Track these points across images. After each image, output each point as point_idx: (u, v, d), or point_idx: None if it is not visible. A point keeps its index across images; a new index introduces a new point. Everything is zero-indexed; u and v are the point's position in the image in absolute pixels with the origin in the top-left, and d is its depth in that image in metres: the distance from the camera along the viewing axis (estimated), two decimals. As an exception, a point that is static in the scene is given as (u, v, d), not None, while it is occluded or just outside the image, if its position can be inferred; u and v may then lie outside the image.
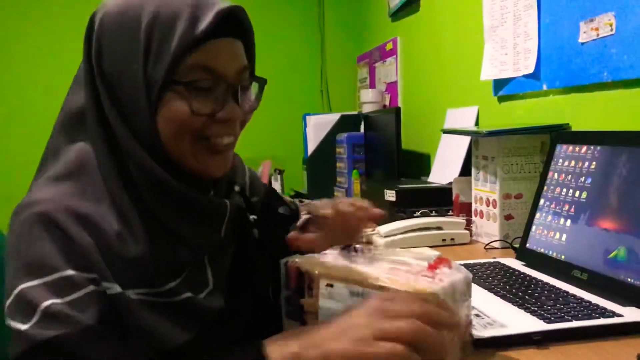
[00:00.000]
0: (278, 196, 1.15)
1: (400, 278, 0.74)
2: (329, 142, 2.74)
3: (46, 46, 3.40)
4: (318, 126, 2.78)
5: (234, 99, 0.81)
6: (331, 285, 0.78)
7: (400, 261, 0.80)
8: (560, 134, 1.28)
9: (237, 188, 0.97)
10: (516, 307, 0.93)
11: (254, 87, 0.89)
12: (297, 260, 0.84)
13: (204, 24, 0.75)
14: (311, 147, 2.78)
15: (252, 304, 0.89)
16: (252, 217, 0.98)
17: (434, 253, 0.83)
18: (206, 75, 0.78)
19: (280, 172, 3.32)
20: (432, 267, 0.76)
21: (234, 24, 0.81)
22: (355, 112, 3.01)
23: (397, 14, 2.88)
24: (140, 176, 0.78)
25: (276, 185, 3.25)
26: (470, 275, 0.78)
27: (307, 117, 2.85)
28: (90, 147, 0.80)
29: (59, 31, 3.39)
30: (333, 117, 2.80)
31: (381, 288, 0.73)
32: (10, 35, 3.41)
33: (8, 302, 0.70)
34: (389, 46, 2.98)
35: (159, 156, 0.79)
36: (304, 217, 1.01)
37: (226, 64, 0.80)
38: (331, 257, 0.85)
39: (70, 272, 0.71)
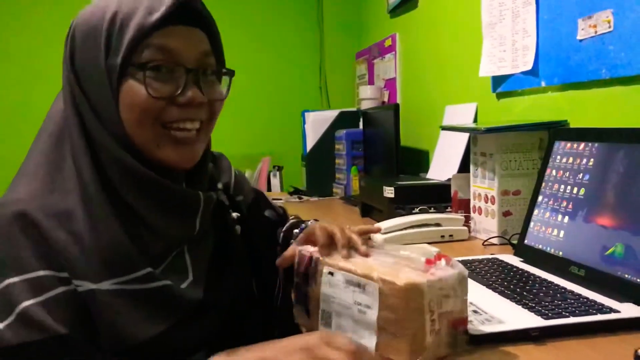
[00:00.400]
0: (266, 200, 1.17)
1: (395, 270, 0.76)
2: (327, 139, 2.75)
3: (46, 46, 3.40)
4: (317, 123, 2.78)
5: (197, 85, 0.82)
6: (332, 274, 0.83)
7: (404, 256, 0.82)
8: (558, 131, 1.28)
9: (220, 185, 0.99)
10: (514, 303, 0.93)
11: (225, 81, 0.91)
12: (310, 248, 0.89)
13: (159, 12, 0.79)
14: (310, 143, 2.79)
15: (231, 298, 0.90)
16: (235, 214, 1.00)
17: (435, 250, 0.86)
18: (163, 56, 0.80)
19: (279, 169, 3.32)
20: (430, 262, 0.78)
21: (192, 15, 0.83)
22: (354, 109, 3.01)
23: (395, 11, 2.88)
24: (112, 165, 0.80)
25: (275, 182, 3.26)
26: (466, 273, 0.78)
27: (306, 114, 2.85)
28: (68, 143, 0.82)
29: (58, 31, 3.39)
30: (332, 114, 2.80)
31: (371, 278, 0.76)
32: (10, 35, 3.40)
33: None
34: (388, 42, 2.98)
35: (127, 145, 0.81)
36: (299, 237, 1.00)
37: (183, 47, 0.81)
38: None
39: (42, 272, 0.73)
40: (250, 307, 0.93)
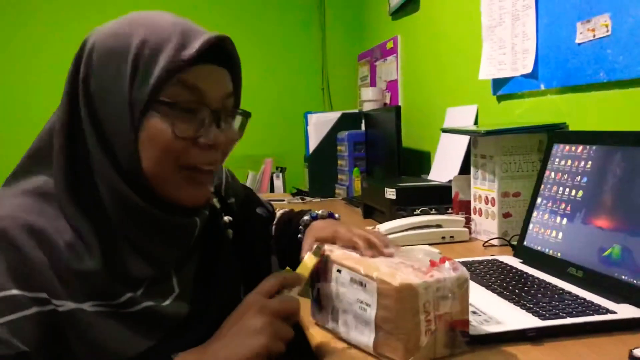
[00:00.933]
0: (256, 197, 1.17)
1: (395, 271, 0.79)
2: (330, 140, 2.76)
3: (46, 49, 3.42)
4: (319, 124, 2.80)
5: (217, 126, 0.82)
6: (339, 271, 0.87)
7: (411, 257, 0.86)
8: (557, 134, 1.30)
9: (211, 189, 0.96)
10: (512, 304, 0.95)
11: (238, 119, 0.90)
12: (325, 247, 0.92)
13: (191, 49, 0.77)
14: (312, 145, 2.80)
15: (219, 307, 0.88)
16: (227, 217, 0.99)
17: (434, 251, 0.88)
18: (190, 96, 0.79)
19: (282, 170, 3.34)
20: (434, 264, 0.80)
21: (220, 53, 0.82)
22: (356, 110, 3.02)
23: (397, 13, 2.89)
24: (111, 199, 0.78)
25: (278, 183, 3.28)
26: (466, 276, 0.80)
27: (309, 116, 2.87)
28: (50, 171, 0.80)
29: (59, 36, 3.41)
30: (334, 116, 2.81)
31: (371, 277, 0.80)
32: (11, 36, 3.42)
33: None
34: (390, 45, 2.99)
35: (134, 180, 0.79)
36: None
37: (210, 88, 0.81)
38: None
39: (15, 291, 0.71)
40: None
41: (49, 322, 0.72)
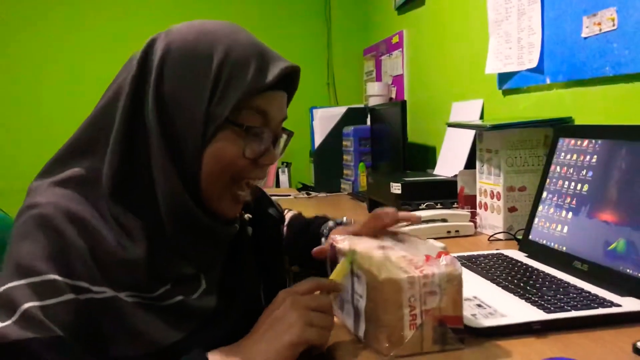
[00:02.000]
0: (267, 196, 1.18)
1: (387, 264, 0.80)
2: (335, 135, 2.77)
3: (55, 45, 3.43)
4: (325, 119, 2.81)
5: (274, 147, 0.88)
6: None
7: (413, 249, 0.88)
8: (562, 128, 1.30)
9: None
10: (517, 298, 0.95)
11: (283, 137, 0.94)
12: (338, 238, 0.95)
13: (271, 75, 0.82)
14: (318, 140, 2.81)
15: (244, 301, 0.91)
16: (247, 215, 1.01)
17: (440, 246, 0.89)
18: (260, 120, 0.84)
19: (288, 165, 3.34)
20: (429, 258, 0.81)
21: (287, 78, 0.87)
22: (362, 105, 3.03)
23: (403, 8, 2.89)
24: (168, 200, 0.81)
25: (283, 178, 3.28)
26: (458, 273, 0.80)
27: (314, 110, 2.88)
28: (100, 163, 0.82)
29: (71, 37, 3.43)
30: (339, 110, 2.82)
31: (363, 270, 0.83)
32: (18, 34, 3.44)
33: None
34: (395, 39, 2.99)
35: (190, 187, 0.82)
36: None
37: (276, 113, 0.86)
38: (370, 241, 0.94)
39: (54, 276, 0.73)
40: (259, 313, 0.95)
41: (86, 310, 0.74)
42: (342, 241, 0.93)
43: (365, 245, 0.90)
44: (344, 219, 1.18)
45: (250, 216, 1.02)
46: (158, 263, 0.80)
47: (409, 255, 0.84)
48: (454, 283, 0.79)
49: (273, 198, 1.17)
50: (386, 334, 0.78)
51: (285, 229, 1.21)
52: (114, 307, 0.76)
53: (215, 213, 0.86)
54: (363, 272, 0.82)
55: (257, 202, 1.09)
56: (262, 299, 0.98)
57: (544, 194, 1.26)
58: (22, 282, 0.72)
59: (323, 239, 1.13)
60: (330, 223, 1.17)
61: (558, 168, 1.24)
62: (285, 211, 1.25)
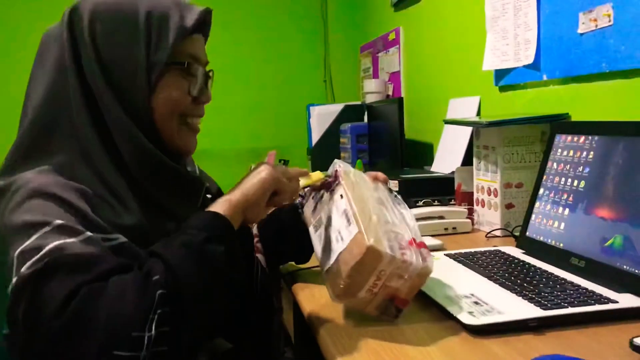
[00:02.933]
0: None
1: (380, 230, 0.86)
2: (332, 132, 2.77)
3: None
4: (322, 116, 2.80)
5: (207, 86, 0.98)
6: (342, 196, 0.94)
7: (402, 222, 0.94)
8: (559, 124, 1.30)
9: (189, 168, 1.06)
10: (514, 295, 0.95)
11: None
12: (341, 165, 1.02)
13: (191, 20, 0.92)
14: (315, 137, 2.81)
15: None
16: (209, 195, 1.05)
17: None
18: (193, 61, 0.94)
19: (285, 162, 3.33)
20: (411, 242, 0.88)
21: (204, 25, 0.98)
22: (359, 102, 3.02)
23: (399, 4, 2.89)
24: (131, 153, 0.87)
25: (281, 176, 3.28)
26: (429, 271, 0.87)
27: (311, 108, 2.87)
28: (72, 140, 0.86)
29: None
30: (337, 108, 2.81)
31: (357, 223, 0.87)
32: (13, 34, 3.43)
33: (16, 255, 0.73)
34: (392, 36, 2.99)
35: (149, 134, 0.89)
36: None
37: (202, 54, 0.97)
38: (370, 185, 1.03)
39: (63, 222, 0.76)
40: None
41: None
42: (344, 171, 1.00)
43: (365, 188, 0.97)
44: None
45: (211, 196, 1.05)
46: (150, 223, 0.86)
47: (397, 225, 0.90)
48: (422, 277, 0.87)
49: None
50: (345, 284, 0.85)
51: (255, 227, 1.20)
52: (131, 250, 0.81)
53: (180, 150, 0.95)
54: (356, 223, 0.86)
55: (219, 194, 1.10)
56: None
57: (541, 191, 1.26)
58: (35, 235, 0.73)
59: (300, 210, 1.15)
60: (298, 200, 1.19)
61: (555, 164, 1.24)
62: None
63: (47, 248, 0.72)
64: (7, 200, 0.79)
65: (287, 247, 1.20)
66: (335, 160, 1.04)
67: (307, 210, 1.05)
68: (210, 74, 1.00)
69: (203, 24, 0.97)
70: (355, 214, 0.88)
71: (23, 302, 0.69)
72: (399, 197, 1.05)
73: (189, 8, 0.93)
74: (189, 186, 0.96)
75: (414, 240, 0.89)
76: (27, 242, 0.73)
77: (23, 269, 0.70)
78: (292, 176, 0.98)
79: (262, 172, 0.91)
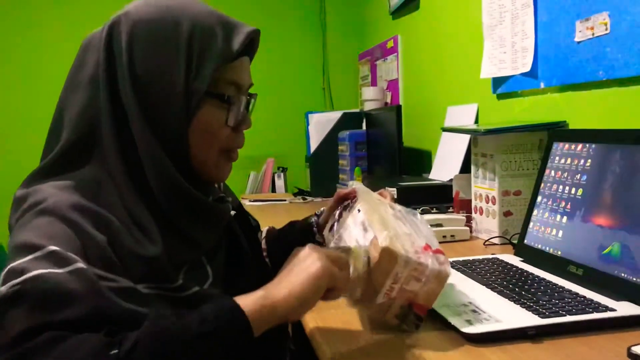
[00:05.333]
0: (244, 209, 1.18)
1: (395, 237, 0.86)
2: (331, 140, 2.77)
3: (49, 47, 3.42)
4: (320, 124, 2.81)
5: (247, 112, 0.92)
6: (359, 211, 0.96)
7: (416, 228, 0.95)
8: (556, 132, 1.30)
9: (216, 185, 1.01)
10: (512, 303, 0.95)
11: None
12: (355, 184, 1.07)
13: (237, 43, 0.85)
14: (314, 145, 2.81)
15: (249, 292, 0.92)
16: (232, 212, 1.02)
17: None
18: (234, 89, 0.88)
19: (284, 170, 3.34)
20: (427, 248, 0.87)
21: (251, 46, 0.91)
22: (357, 110, 3.03)
23: (397, 12, 2.90)
24: (159, 182, 0.81)
25: (279, 183, 3.28)
26: (446, 275, 0.86)
27: (310, 115, 2.88)
28: (100, 160, 0.81)
29: (60, 33, 3.42)
30: (335, 115, 2.82)
31: (373, 229, 0.88)
32: (13, 35, 3.43)
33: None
34: (390, 44, 3.00)
35: (180, 164, 0.83)
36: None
37: (245, 79, 0.90)
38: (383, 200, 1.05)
39: (57, 248, 0.70)
40: None
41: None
42: (359, 189, 1.04)
43: (380, 204, 0.99)
44: (322, 209, 1.19)
45: (235, 212, 1.02)
46: (172, 252, 0.81)
47: (413, 234, 0.90)
48: (440, 281, 0.86)
49: (269, 203, 1.17)
50: (360, 287, 0.85)
51: (263, 240, 1.21)
52: (133, 296, 0.74)
53: (211, 179, 0.90)
54: (371, 229, 0.88)
55: (239, 209, 1.09)
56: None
57: (539, 198, 1.26)
58: (27, 257, 0.69)
59: (314, 228, 1.16)
60: (314, 219, 1.19)
61: (553, 172, 1.24)
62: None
63: (28, 275, 0.67)
64: (22, 212, 0.77)
65: None
66: (351, 182, 1.07)
67: (326, 231, 1.09)
68: (253, 98, 0.94)
69: (250, 45, 0.90)
70: (372, 222, 0.90)
71: None
72: (411, 209, 1.04)
73: (236, 28, 0.87)
74: (215, 217, 0.90)
75: (429, 246, 0.88)
76: (17, 262, 0.69)
77: (3, 288, 0.68)
78: (345, 264, 0.83)
79: (315, 265, 0.76)
